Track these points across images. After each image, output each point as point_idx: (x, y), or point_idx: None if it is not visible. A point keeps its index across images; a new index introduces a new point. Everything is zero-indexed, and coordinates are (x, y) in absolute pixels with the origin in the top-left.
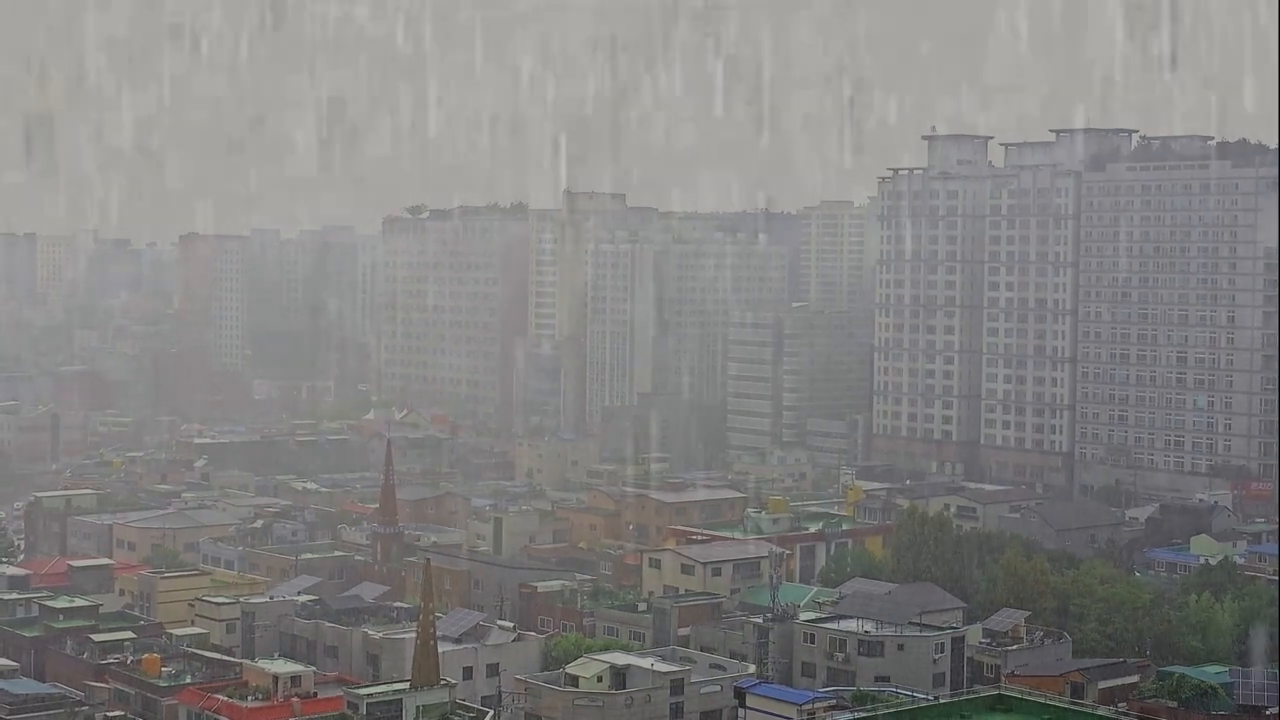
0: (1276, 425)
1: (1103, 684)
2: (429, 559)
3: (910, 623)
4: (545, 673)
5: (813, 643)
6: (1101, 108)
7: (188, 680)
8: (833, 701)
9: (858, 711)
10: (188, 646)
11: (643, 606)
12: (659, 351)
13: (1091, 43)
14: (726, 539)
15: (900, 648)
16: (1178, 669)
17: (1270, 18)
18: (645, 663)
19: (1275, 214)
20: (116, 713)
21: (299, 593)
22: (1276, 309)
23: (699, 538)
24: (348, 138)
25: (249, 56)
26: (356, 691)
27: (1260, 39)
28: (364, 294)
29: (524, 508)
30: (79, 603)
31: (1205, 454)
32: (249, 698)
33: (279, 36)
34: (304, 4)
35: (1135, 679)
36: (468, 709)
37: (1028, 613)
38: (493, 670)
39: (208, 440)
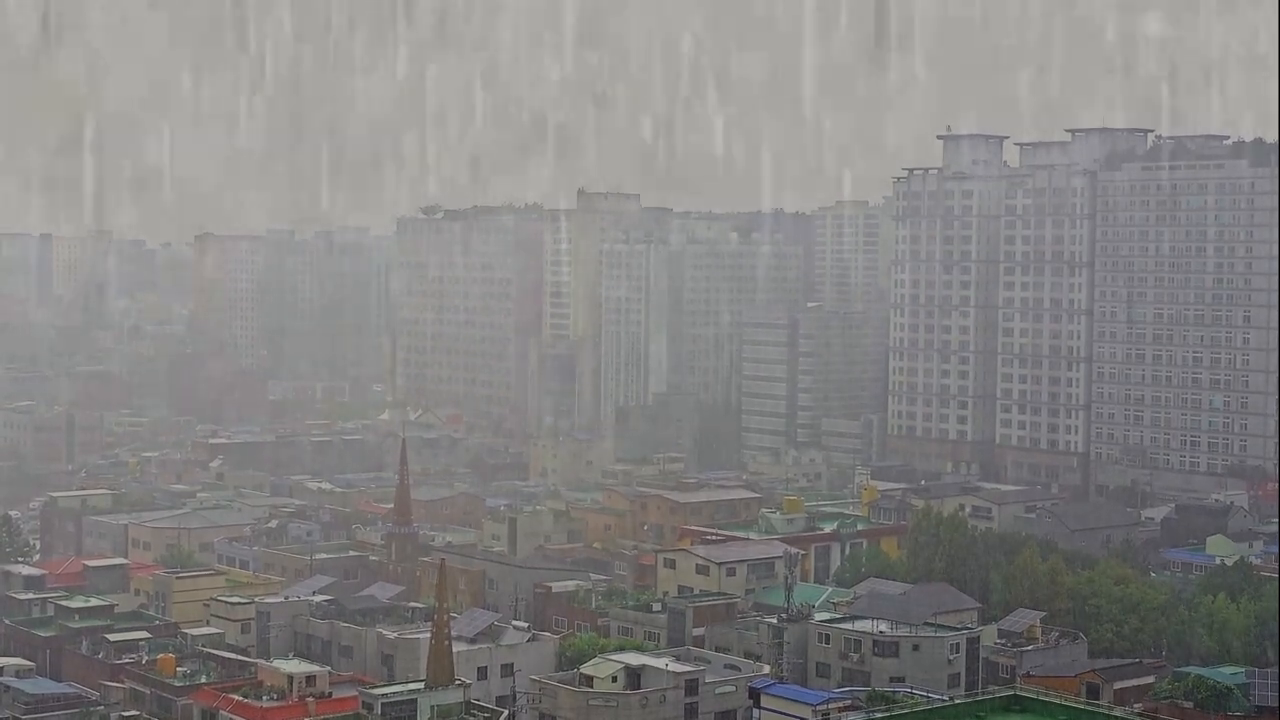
0: (1276, 426)
1: (1118, 684)
2: (444, 559)
3: (925, 623)
4: (560, 673)
5: (828, 643)
6: (1117, 107)
7: (203, 680)
8: (848, 702)
9: (873, 712)
10: (203, 646)
11: (657, 607)
12: (673, 351)
13: (1108, 41)
14: (741, 539)
15: (915, 648)
16: (1193, 669)
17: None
18: (660, 663)
19: (1276, 213)
20: (131, 712)
21: (314, 592)
22: (1278, 310)
23: (714, 538)
24: (363, 137)
25: (259, 54)
26: (371, 691)
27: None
28: (378, 294)
29: (539, 508)
30: (94, 602)
31: (1221, 454)
32: (264, 697)
33: (285, 35)
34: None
35: (1151, 679)
36: (482, 709)
37: (1043, 613)
38: (507, 670)
39: (223, 440)
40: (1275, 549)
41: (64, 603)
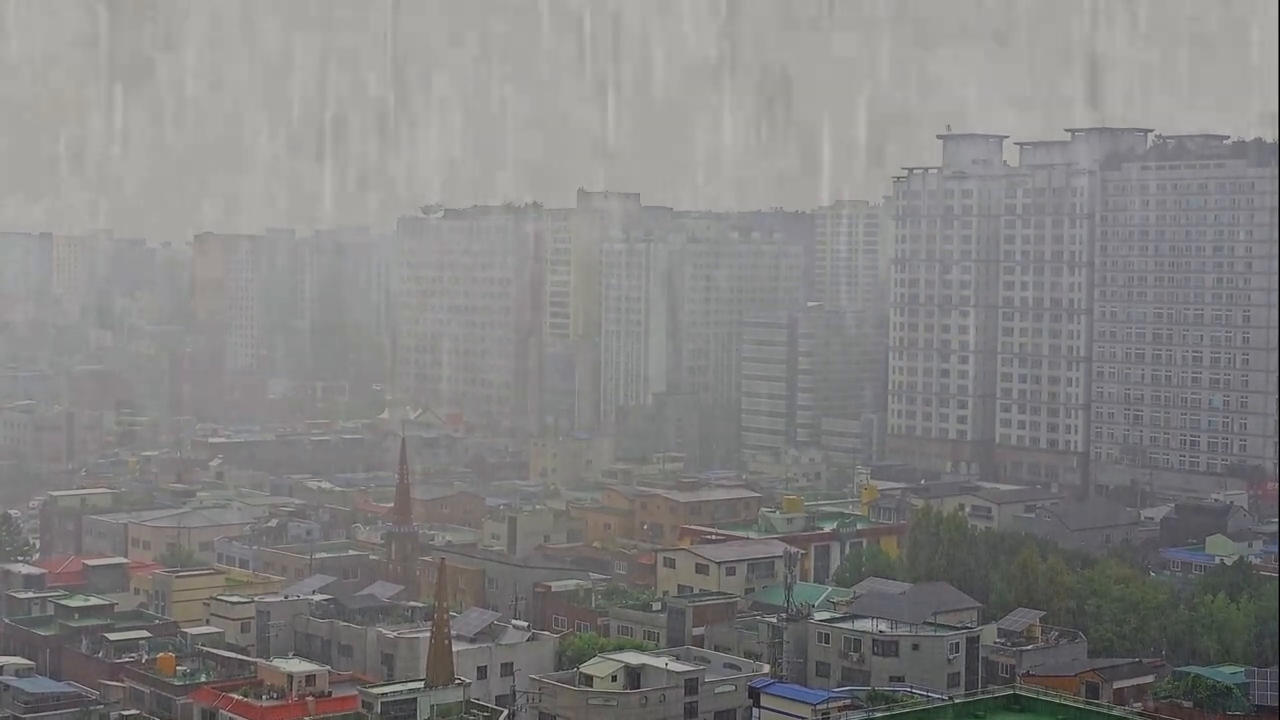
0: (1276, 425)
1: (1118, 684)
2: (444, 558)
3: (925, 623)
4: (560, 672)
5: (827, 642)
6: (1117, 106)
7: (203, 679)
8: (847, 701)
9: (872, 711)
10: (202, 645)
11: (657, 606)
12: (673, 351)
13: (1107, 40)
14: (741, 539)
15: (915, 648)
16: (1193, 669)
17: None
18: (660, 662)
19: (1276, 213)
20: (131, 711)
21: (314, 592)
22: (1278, 310)
23: (713, 537)
24: (363, 136)
25: (259, 55)
26: (371, 691)
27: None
28: (378, 293)
29: (538, 507)
30: (94, 601)
31: (1221, 453)
32: (264, 697)
33: (285, 36)
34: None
35: (1150, 679)
36: (482, 708)
37: (1043, 612)
38: (507, 670)
39: (223, 439)
40: (1275, 549)
41: (64, 602)
